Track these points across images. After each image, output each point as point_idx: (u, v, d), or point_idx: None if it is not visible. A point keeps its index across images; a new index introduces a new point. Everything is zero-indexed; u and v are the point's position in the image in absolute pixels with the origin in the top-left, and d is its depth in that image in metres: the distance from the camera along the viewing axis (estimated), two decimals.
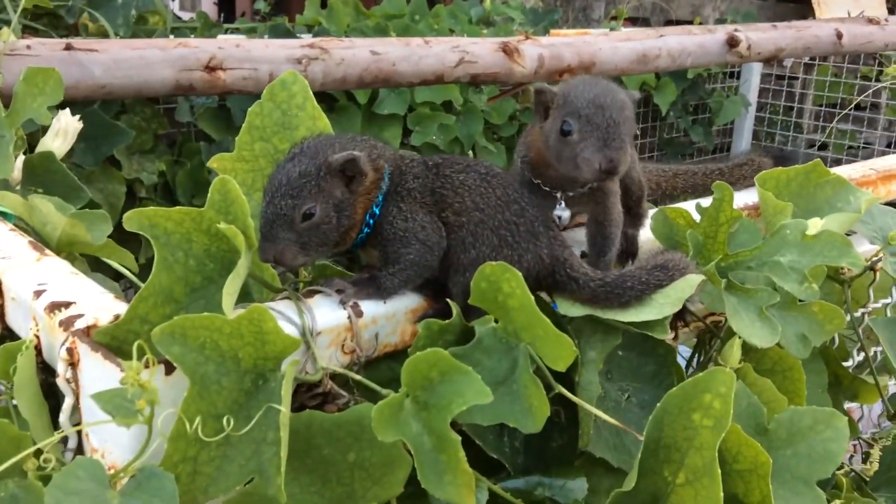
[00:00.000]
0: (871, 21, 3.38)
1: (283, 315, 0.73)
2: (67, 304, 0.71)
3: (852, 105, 4.29)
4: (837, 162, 4.54)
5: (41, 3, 1.92)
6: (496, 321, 0.77)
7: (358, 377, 0.71)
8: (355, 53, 2.03)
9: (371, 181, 0.82)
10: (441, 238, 0.83)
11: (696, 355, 1.14)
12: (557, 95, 0.93)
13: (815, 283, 0.87)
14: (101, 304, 0.71)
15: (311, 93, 0.86)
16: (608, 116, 0.87)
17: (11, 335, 0.79)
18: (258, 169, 0.87)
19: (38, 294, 0.74)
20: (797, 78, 4.87)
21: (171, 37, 2.43)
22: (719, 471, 0.71)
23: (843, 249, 0.88)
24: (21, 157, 1.20)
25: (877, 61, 4.52)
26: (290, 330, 0.71)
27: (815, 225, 0.90)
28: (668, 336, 0.81)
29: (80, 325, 0.68)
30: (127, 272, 1.01)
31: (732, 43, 2.84)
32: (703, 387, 0.75)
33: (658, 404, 0.75)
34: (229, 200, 0.71)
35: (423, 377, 0.67)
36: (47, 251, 0.85)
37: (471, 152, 3.25)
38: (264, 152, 0.86)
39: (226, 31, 2.88)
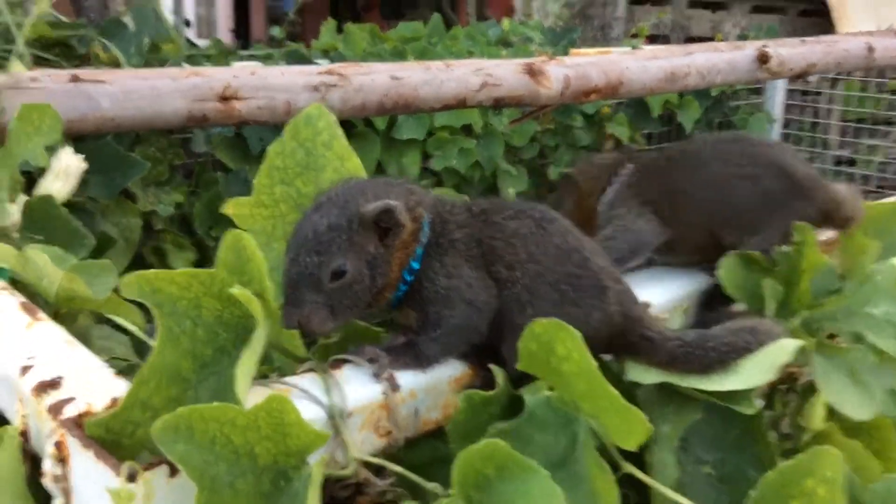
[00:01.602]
0: None
1: (308, 394, 0.62)
2: (57, 384, 0.61)
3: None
4: (866, 179, 4.42)
5: (44, 30, 1.84)
6: (550, 389, 0.66)
7: (398, 468, 0.60)
8: (374, 79, 1.94)
9: (409, 233, 0.71)
10: (491, 297, 0.72)
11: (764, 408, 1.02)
12: None
13: None
14: (95, 384, 0.61)
15: (339, 129, 0.76)
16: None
17: None
18: (279, 215, 0.77)
19: (25, 370, 0.64)
20: (821, 93, 4.76)
21: (185, 65, 2.35)
22: None
23: None
24: (21, 201, 1.11)
25: None
26: (316, 413, 0.61)
27: None
28: (757, 409, 0.70)
29: (70, 412, 0.58)
30: (135, 330, 0.91)
31: (763, 59, 2.73)
32: (805, 470, 0.63)
33: (751, 492, 0.64)
34: (244, 259, 0.61)
35: (477, 474, 0.56)
36: (40, 314, 0.75)
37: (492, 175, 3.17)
38: (286, 197, 0.76)
39: (241, 59, 2.81)
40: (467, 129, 3.00)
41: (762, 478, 0.64)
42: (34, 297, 0.88)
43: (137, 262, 2.31)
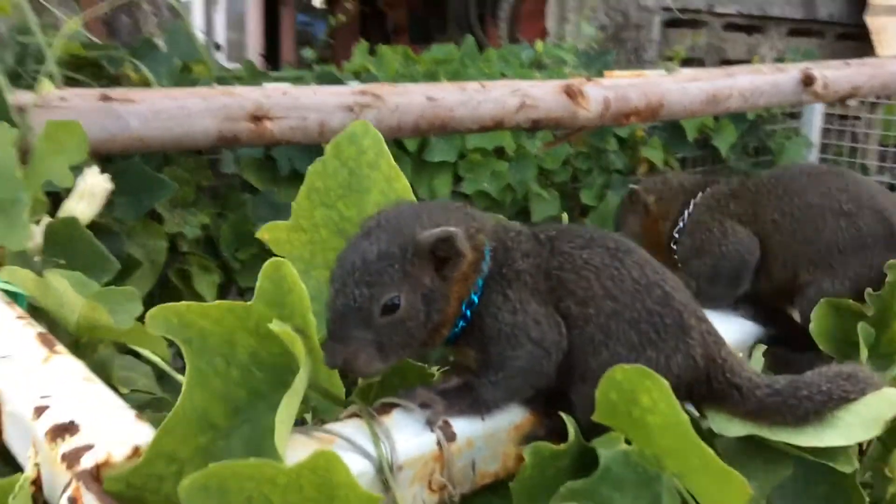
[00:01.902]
0: None
1: (353, 444, 0.55)
2: (73, 429, 0.55)
3: None
4: None
5: (76, 51, 1.81)
6: (628, 442, 0.58)
7: None
8: (410, 100, 1.89)
9: (469, 263, 0.64)
10: (560, 336, 0.64)
11: None
12: None
13: None
14: (116, 430, 0.55)
15: (386, 148, 0.69)
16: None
17: (6, 457, 0.63)
18: (318, 241, 0.70)
19: (39, 411, 0.57)
20: (860, 118, 4.67)
21: (215, 86, 2.32)
22: None
23: None
24: (45, 222, 1.06)
25: None
26: (363, 467, 0.54)
27: None
28: (855, 466, 0.61)
29: (87, 462, 0.51)
30: (160, 362, 0.84)
31: (808, 82, 2.65)
32: None
33: None
34: (284, 290, 0.54)
35: None
36: (58, 346, 0.68)
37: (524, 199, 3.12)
38: (327, 221, 0.69)
39: (272, 80, 2.78)
40: (499, 152, 2.96)
41: None
42: (53, 325, 0.82)
43: (162, 284, 2.27)
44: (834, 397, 0.64)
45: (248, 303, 0.54)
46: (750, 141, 4.14)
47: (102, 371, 0.80)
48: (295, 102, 1.71)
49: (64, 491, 0.50)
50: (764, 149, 4.21)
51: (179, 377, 0.67)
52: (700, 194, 1.05)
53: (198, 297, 2.34)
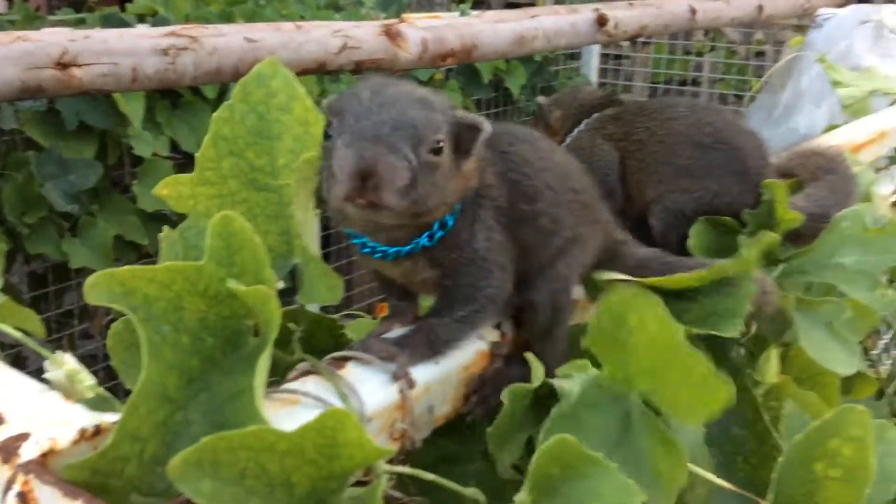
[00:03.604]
0: None
1: (322, 401, 0.52)
2: None
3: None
4: None
5: None
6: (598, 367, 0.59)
7: (431, 476, 0.52)
8: (228, 41, 1.77)
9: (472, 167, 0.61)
10: (512, 252, 0.64)
11: None
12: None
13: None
14: (47, 415, 0.48)
15: (301, 89, 0.65)
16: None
17: None
18: (227, 194, 0.64)
19: None
20: (629, 58, 5.01)
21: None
22: None
23: None
24: None
25: (709, 37, 4.69)
26: None
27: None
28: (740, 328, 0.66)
29: (29, 452, 0.45)
30: (26, 339, 0.75)
31: (601, 22, 2.79)
32: (830, 430, 0.61)
33: (780, 459, 0.61)
34: (234, 247, 0.49)
35: (542, 476, 0.49)
36: None
37: None
38: (236, 171, 0.64)
39: (51, 24, 2.51)
40: None
41: (790, 443, 0.62)
42: None
43: None
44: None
45: (200, 263, 0.49)
46: (538, 82, 4.33)
47: None
48: (104, 47, 1.55)
49: (8, 488, 0.44)
50: (550, 88, 4.41)
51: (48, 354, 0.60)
52: (596, 115, 1.10)
53: None
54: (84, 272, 2.21)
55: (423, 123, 0.55)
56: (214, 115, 0.64)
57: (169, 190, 0.65)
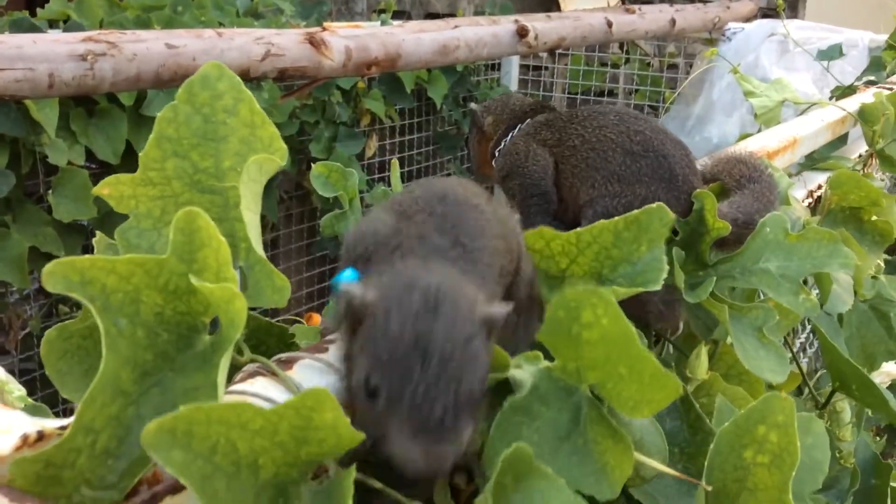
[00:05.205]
0: (628, 10, 3.57)
1: (270, 400, 0.52)
2: None
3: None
4: None
5: None
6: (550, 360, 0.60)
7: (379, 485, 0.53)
8: (149, 47, 1.74)
9: None
10: None
11: None
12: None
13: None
14: None
15: (247, 92, 0.64)
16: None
17: None
18: (170, 195, 0.63)
19: None
20: (548, 68, 5.10)
21: None
22: None
23: (833, 248, 0.80)
24: None
25: (624, 49, 4.82)
26: None
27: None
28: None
29: None
30: None
31: (522, 33, 2.85)
32: (757, 418, 0.64)
33: (710, 447, 0.64)
34: (196, 244, 0.49)
35: (497, 485, 0.50)
36: None
37: None
38: (179, 172, 0.63)
39: None
40: None
41: (719, 431, 0.64)
42: None
43: None
44: None
45: (162, 256, 0.49)
46: (460, 91, 4.37)
47: None
48: (19, 52, 1.50)
49: None
50: (472, 98, 4.46)
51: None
52: (528, 121, 1.12)
53: None
54: None
55: (481, 388, 0.53)
56: (159, 115, 0.63)
57: (110, 190, 0.63)
